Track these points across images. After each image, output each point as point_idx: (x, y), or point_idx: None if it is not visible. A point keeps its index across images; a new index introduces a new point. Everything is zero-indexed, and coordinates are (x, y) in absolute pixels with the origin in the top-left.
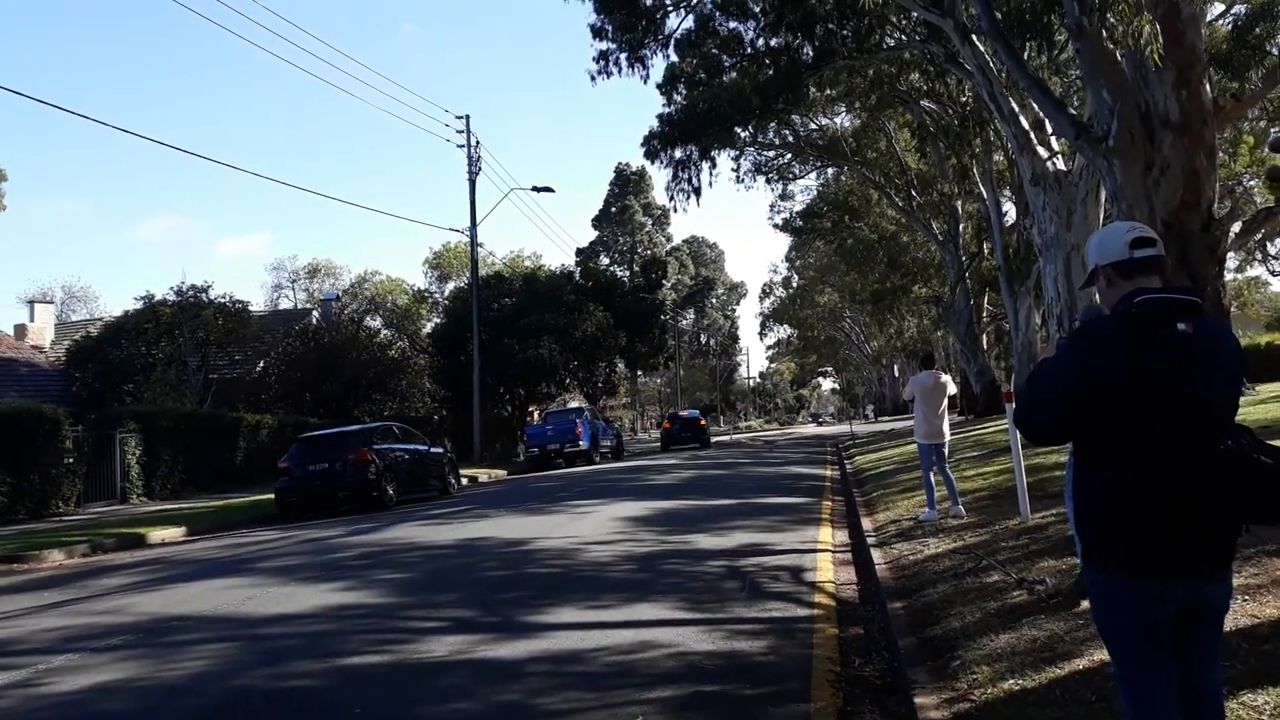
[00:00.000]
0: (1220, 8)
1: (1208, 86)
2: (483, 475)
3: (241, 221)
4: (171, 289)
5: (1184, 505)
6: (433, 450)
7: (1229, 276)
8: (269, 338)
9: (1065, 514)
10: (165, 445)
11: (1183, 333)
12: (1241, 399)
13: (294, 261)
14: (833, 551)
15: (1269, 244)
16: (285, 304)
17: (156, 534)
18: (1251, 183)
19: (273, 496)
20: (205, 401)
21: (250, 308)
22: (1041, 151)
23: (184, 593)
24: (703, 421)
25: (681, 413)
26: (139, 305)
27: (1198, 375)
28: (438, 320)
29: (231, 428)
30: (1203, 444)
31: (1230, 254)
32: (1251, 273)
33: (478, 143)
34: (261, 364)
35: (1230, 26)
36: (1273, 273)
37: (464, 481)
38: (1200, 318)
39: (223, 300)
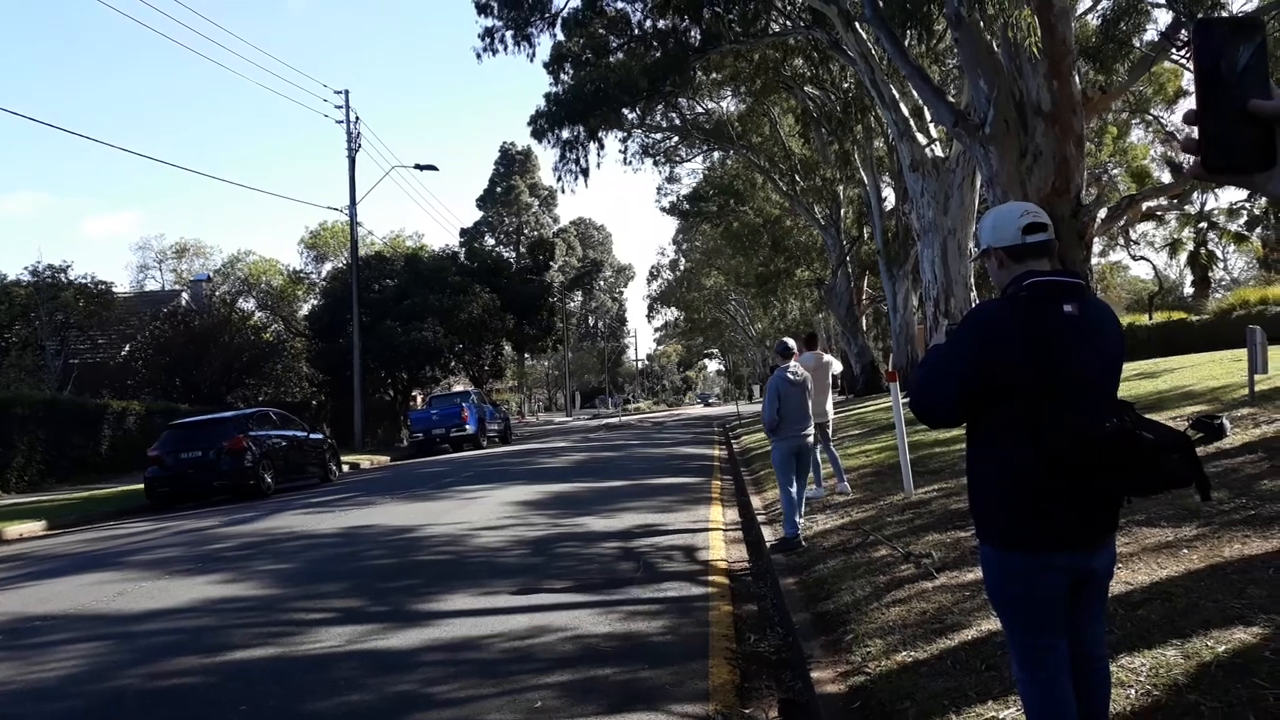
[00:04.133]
0: (1089, 1)
1: (1077, 78)
2: (365, 462)
3: (105, 199)
4: (26, 269)
5: (1073, 482)
6: (312, 436)
7: (1094, 261)
8: (135, 320)
9: (947, 489)
10: (21, 434)
11: (1069, 314)
12: None
13: (161, 241)
14: (724, 530)
15: (1131, 230)
16: (152, 285)
17: (13, 529)
18: (1115, 171)
19: (142, 487)
20: (66, 387)
21: (114, 289)
22: (920, 138)
23: (47, 590)
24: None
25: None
26: None
27: (1083, 356)
28: (315, 302)
29: (95, 415)
30: (1089, 423)
31: (1095, 239)
32: (1114, 257)
33: (358, 119)
34: (127, 348)
35: (1099, 20)
36: (1134, 257)
37: (345, 468)
38: (1085, 300)
39: (84, 281)
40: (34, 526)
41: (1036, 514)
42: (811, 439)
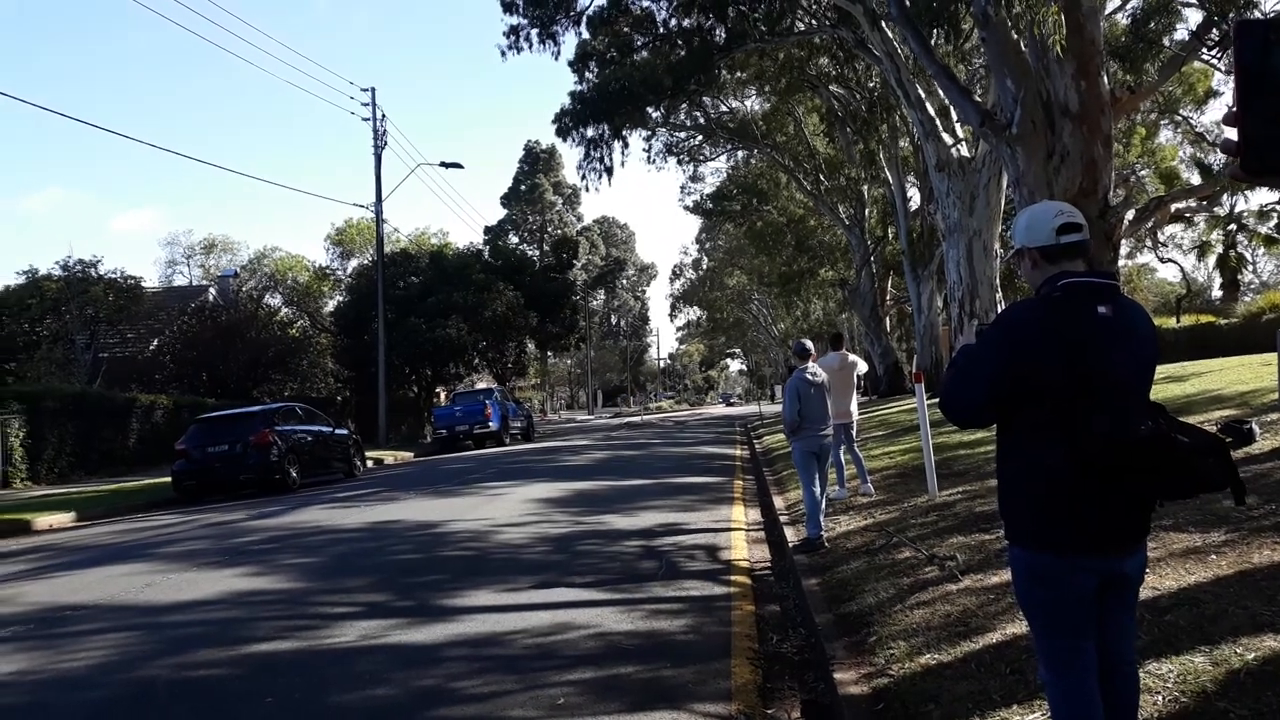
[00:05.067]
0: (1118, 0)
1: (1105, 78)
2: (389, 457)
3: (134, 195)
4: (57, 264)
5: (1104, 485)
6: (337, 432)
7: (1121, 262)
8: (163, 315)
9: (971, 491)
10: (52, 427)
11: (1103, 316)
12: None
13: (189, 237)
14: (746, 530)
15: (1159, 232)
16: (180, 280)
17: (44, 520)
18: (1143, 172)
19: (169, 480)
20: (95, 381)
21: (143, 284)
22: (946, 138)
23: (78, 580)
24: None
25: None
26: (21, 280)
27: (1116, 358)
28: (341, 298)
29: (124, 409)
30: (1122, 425)
31: (1123, 241)
32: (1141, 259)
33: (384, 116)
34: (155, 343)
35: (1128, 20)
36: (1162, 259)
37: (370, 464)
38: (1119, 301)
39: (113, 276)
40: (64, 518)
41: (1068, 516)
42: (830, 439)
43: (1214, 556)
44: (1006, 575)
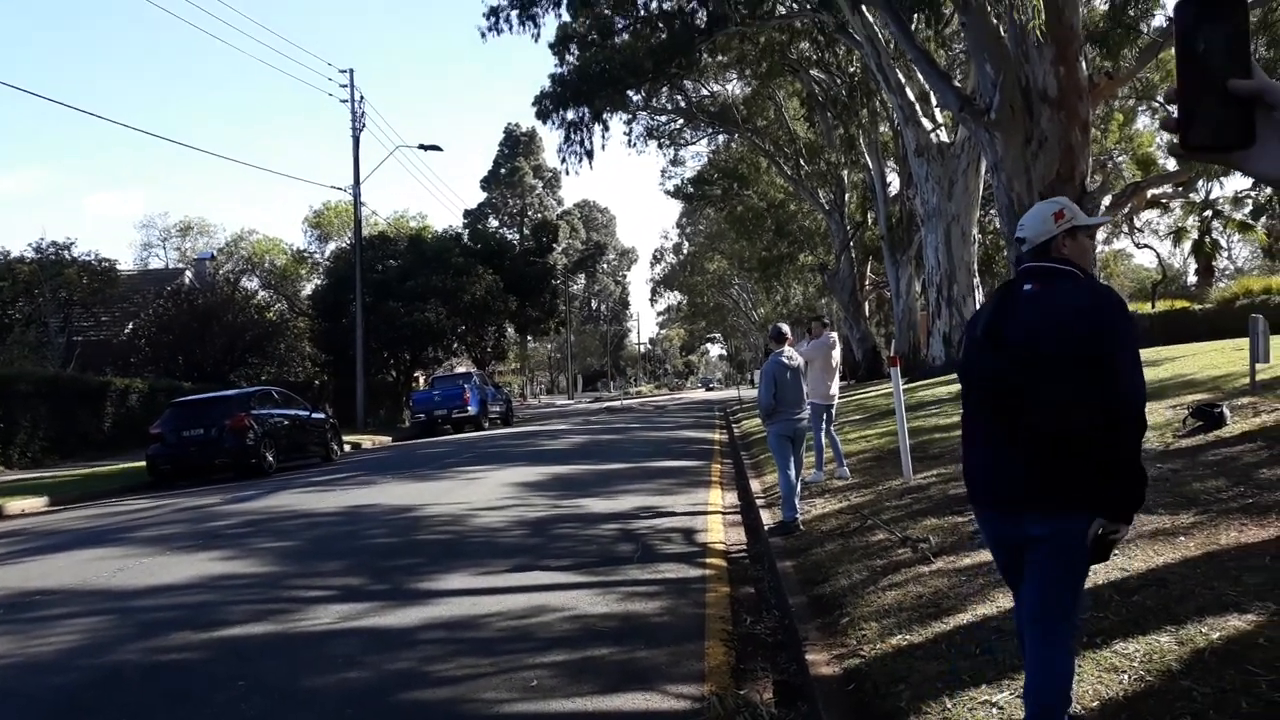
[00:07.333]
0: None
1: (1083, 64)
2: (367, 442)
3: (109, 177)
4: (30, 245)
5: (979, 436)
6: (314, 416)
7: (1098, 249)
8: (138, 298)
9: (945, 474)
10: (25, 411)
11: (1027, 292)
12: None
13: (165, 219)
14: (723, 513)
15: (1135, 218)
16: (156, 263)
17: (15, 504)
18: (1120, 158)
19: (144, 464)
20: (69, 365)
21: (118, 267)
22: (926, 123)
23: (48, 565)
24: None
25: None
26: None
27: (1017, 325)
28: (319, 282)
29: (98, 392)
30: (996, 380)
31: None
32: (1118, 245)
33: (362, 98)
34: (130, 326)
35: (1106, 5)
36: (1138, 245)
37: (347, 448)
38: (1050, 282)
39: (87, 258)
40: (36, 502)
41: (968, 471)
42: (805, 423)
43: (1182, 538)
44: (978, 557)
